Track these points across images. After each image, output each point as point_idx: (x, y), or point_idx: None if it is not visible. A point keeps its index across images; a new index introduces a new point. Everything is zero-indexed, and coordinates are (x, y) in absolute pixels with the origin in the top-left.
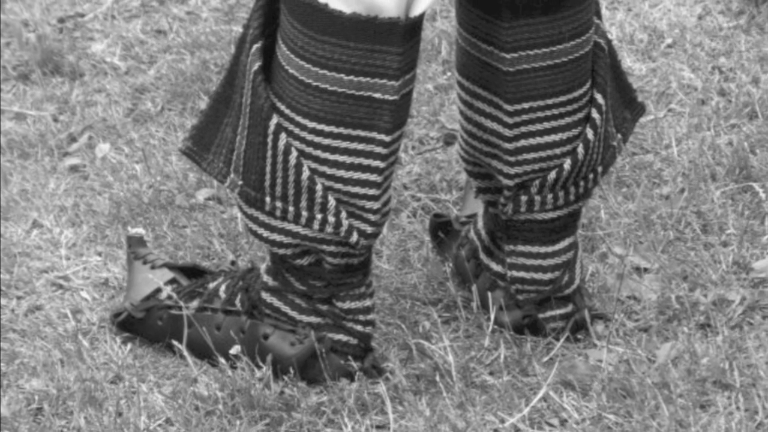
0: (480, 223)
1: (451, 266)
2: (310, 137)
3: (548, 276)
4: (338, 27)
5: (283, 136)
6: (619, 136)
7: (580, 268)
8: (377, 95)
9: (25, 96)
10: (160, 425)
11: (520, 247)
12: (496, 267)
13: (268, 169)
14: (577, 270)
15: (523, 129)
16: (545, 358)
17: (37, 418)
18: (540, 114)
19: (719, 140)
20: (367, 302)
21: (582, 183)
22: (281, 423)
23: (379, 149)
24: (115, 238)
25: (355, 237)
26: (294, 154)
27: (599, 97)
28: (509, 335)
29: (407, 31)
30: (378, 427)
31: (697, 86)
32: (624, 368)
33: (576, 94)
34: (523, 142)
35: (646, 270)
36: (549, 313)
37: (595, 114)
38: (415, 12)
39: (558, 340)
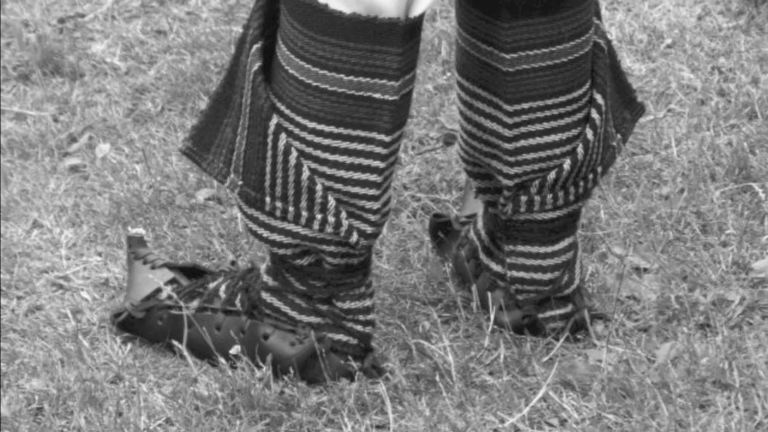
0: (480, 223)
1: (451, 266)
2: (310, 137)
3: (548, 276)
4: (338, 27)
5: (283, 136)
6: (619, 136)
7: (580, 268)
8: (377, 95)
9: (25, 96)
10: (160, 425)
11: (520, 248)
12: (495, 267)
13: (268, 169)
14: (576, 270)
15: (523, 129)
16: (545, 358)
17: (37, 418)
18: (540, 114)
19: (719, 140)
20: (367, 302)
21: (582, 183)
22: (281, 423)
23: (378, 149)
24: (116, 239)
25: (355, 237)
26: (294, 154)
27: (599, 98)
28: (509, 335)
29: (407, 32)
30: (378, 427)
31: (697, 86)
32: (623, 368)
33: (575, 94)
34: (522, 143)
35: (645, 270)
36: (549, 313)
37: (594, 114)
38: (415, 12)
39: (558, 340)
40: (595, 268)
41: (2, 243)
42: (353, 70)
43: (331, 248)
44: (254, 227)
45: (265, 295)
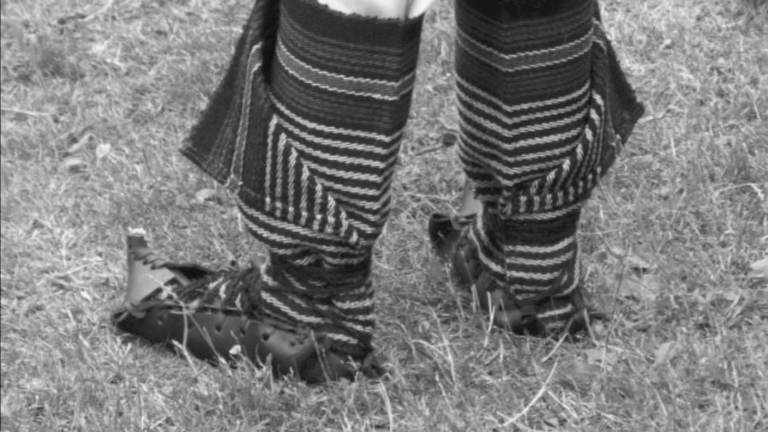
0: (479, 224)
1: (451, 266)
2: (309, 138)
3: (547, 276)
4: (338, 28)
5: (283, 136)
6: (618, 136)
7: (579, 269)
8: (377, 96)
9: (25, 97)
10: (160, 425)
11: (519, 248)
12: (495, 267)
13: (268, 169)
14: (576, 270)
15: (522, 130)
16: (544, 358)
17: (37, 418)
18: (539, 115)
19: (718, 141)
20: (367, 302)
21: (581, 183)
22: (281, 423)
23: (378, 150)
24: (116, 239)
25: (354, 237)
26: (294, 154)
27: (598, 98)
28: (508, 335)
29: (407, 32)
30: (377, 426)
31: (696, 87)
32: (623, 368)
33: (575, 94)
34: (522, 143)
35: (644, 270)
36: (548, 313)
37: (594, 115)
38: (415, 13)
39: (557, 340)
40: (594, 268)
41: (3, 243)
42: (353, 70)
43: (331, 248)
44: (254, 227)
45: (265, 295)
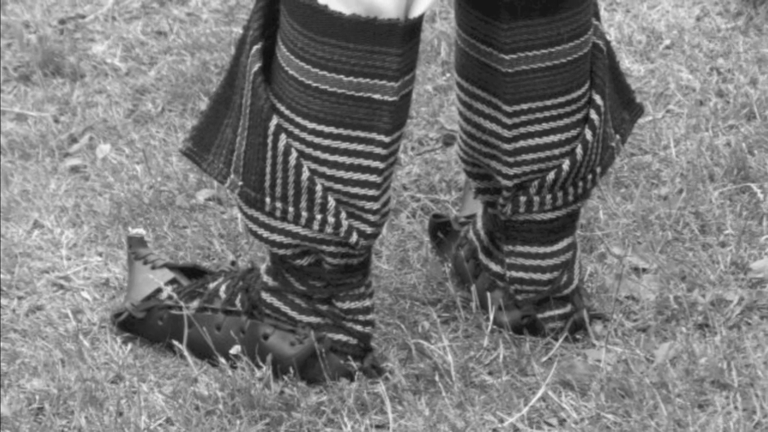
0: (479, 224)
1: (451, 266)
2: (309, 138)
3: (547, 276)
4: (338, 28)
5: (283, 137)
6: (618, 136)
7: (579, 269)
8: (377, 96)
9: (26, 97)
10: (160, 425)
11: (519, 248)
12: (495, 267)
13: (268, 169)
14: (575, 270)
15: (522, 130)
16: (544, 358)
17: (38, 418)
18: (539, 115)
19: (717, 141)
20: (367, 302)
21: (581, 184)
22: (281, 423)
23: (378, 150)
24: (116, 239)
25: (354, 237)
26: (294, 154)
27: (598, 98)
28: (508, 335)
29: (406, 33)
30: (377, 426)
31: (696, 87)
32: (622, 368)
33: (575, 95)
34: (521, 143)
35: (644, 270)
36: (548, 313)
37: (593, 115)
38: (415, 13)
39: (557, 340)
40: (594, 268)
41: (3, 243)
42: (353, 71)
43: (331, 248)
44: (254, 227)
45: (265, 295)
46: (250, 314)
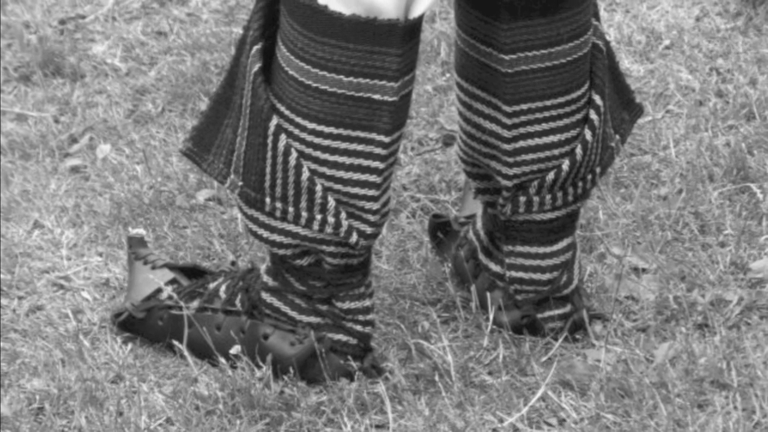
0: (479, 224)
1: (450, 266)
2: (309, 138)
3: (547, 276)
4: (338, 28)
5: (282, 137)
6: (617, 137)
7: (579, 269)
8: (376, 96)
9: (26, 97)
10: (160, 425)
11: (519, 248)
12: (494, 267)
13: (268, 170)
14: (575, 270)
15: (522, 130)
16: (544, 358)
17: (38, 418)
18: (538, 115)
19: (717, 141)
20: (367, 302)
21: (580, 184)
22: (281, 422)
23: (378, 150)
24: (116, 239)
25: (354, 237)
26: (294, 155)
27: (597, 99)
28: (508, 335)
29: (406, 33)
30: (377, 426)
31: (695, 87)
32: (622, 368)
33: (574, 95)
34: (521, 143)
35: (644, 270)
36: (547, 313)
37: (593, 115)
38: (415, 13)
39: (556, 340)
40: (593, 268)
41: (3, 243)
42: (353, 71)
43: (331, 248)
44: (254, 228)
45: (265, 296)
46: (250, 314)
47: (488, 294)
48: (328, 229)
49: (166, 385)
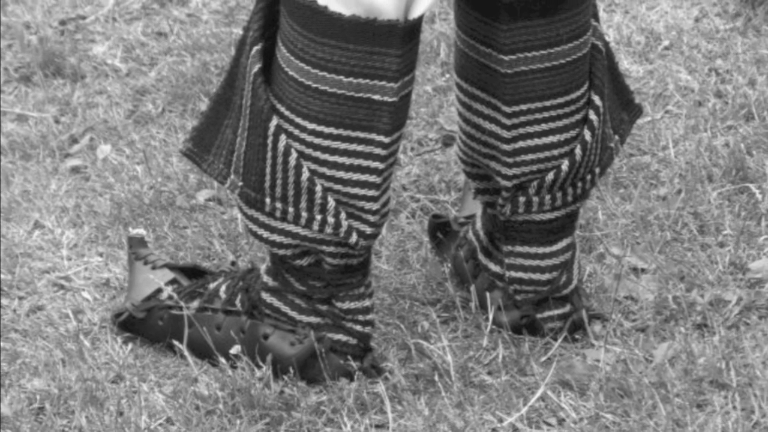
0: (478, 224)
1: (450, 267)
2: (309, 139)
3: (546, 276)
4: (338, 29)
5: (282, 137)
6: (617, 137)
7: (578, 269)
8: (376, 97)
9: (26, 98)
10: (160, 424)
11: (518, 248)
12: (494, 267)
13: (268, 170)
14: (574, 270)
15: (521, 130)
16: (543, 358)
17: (38, 418)
18: (538, 116)
19: (716, 142)
20: (367, 302)
21: (580, 184)
22: (281, 422)
23: (378, 150)
24: (116, 239)
25: (354, 237)
26: (294, 155)
27: (597, 99)
28: (507, 335)
29: (406, 33)
30: (377, 426)
31: (694, 88)
32: (621, 368)
33: (574, 95)
34: (521, 144)
35: (643, 270)
36: (547, 314)
37: (592, 116)
38: (414, 14)
39: (556, 340)
40: (593, 268)
41: (4, 243)
42: (353, 71)
43: (331, 249)
44: (254, 228)
45: (265, 296)
46: (250, 314)
47: (488, 294)
48: (328, 230)
49: (166, 385)
